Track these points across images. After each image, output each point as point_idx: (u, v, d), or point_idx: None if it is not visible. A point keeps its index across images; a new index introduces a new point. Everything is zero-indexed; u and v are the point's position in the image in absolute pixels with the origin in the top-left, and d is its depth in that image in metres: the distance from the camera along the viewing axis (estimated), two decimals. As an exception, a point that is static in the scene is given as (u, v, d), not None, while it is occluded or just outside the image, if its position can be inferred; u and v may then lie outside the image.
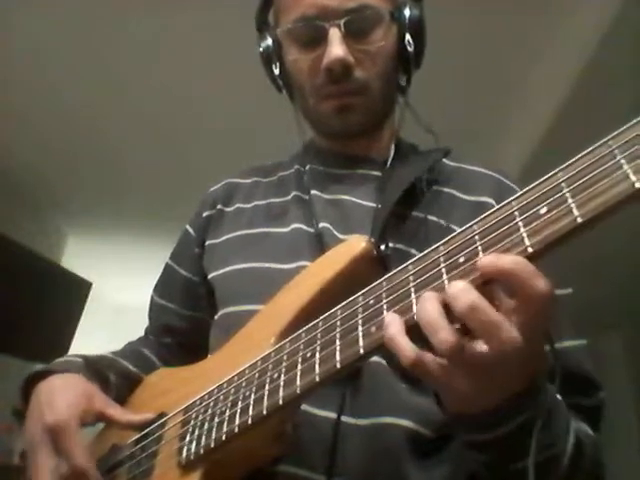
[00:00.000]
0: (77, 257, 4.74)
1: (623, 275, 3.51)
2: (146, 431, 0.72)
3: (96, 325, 4.82)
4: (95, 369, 0.80)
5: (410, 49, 0.83)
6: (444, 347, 0.43)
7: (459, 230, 0.48)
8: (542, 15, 2.26)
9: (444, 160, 0.86)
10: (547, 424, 0.51)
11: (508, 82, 2.67)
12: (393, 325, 0.47)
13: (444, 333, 0.43)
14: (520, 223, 0.42)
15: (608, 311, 4.04)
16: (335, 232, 0.77)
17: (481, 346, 0.43)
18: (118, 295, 5.81)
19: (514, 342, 0.42)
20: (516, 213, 0.42)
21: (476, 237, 0.45)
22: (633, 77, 2.22)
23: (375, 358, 0.67)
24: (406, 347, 0.45)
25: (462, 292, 0.43)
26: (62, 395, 0.71)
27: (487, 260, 0.43)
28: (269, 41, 0.88)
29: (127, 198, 4.06)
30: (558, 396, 0.56)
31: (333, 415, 0.65)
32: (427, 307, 0.45)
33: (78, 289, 4.29)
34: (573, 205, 0.38)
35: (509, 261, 0.41)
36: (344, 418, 0.65)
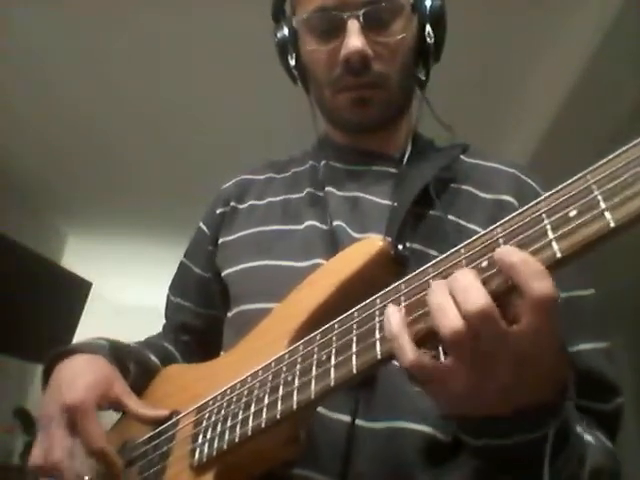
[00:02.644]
0: (77, 257, 4.74)
1: (626, 275, 3.51)
2: (159, 429, 0.71)
3: (96, 325, 4.80)
4: (118, 355, 0.79)
5: (430, 41, 0.81)
6: (450, 331, 0.42)
7: (482, 232, 0.46)
8: (542, 15, 2.25)
9: (461, 156, 0.85)
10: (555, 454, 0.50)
11: (508, 82, 2.67)
12: (394, 320, 0.46)
13: (453, 317, 0.42)
14: (548, 226, 0.40)
15: (611, 311, 4.04)
16: (349, 230, 0.76)
17: (482, 340, 0.42)
18: (118, 295, 5.80)
19: (515, 348, 0.42)
20: (543, 215, 0.41)
21: (500, 240, 0.44)
22: (633, 77, 2.22)
23: None
24: (407, 348, 0.44)
25: (474, 291, 0.42)
26: (83, 376, 0.71)
27: (502, 250, 0.42)
28: (285, 31, 0.86)
29: (127, 198, 4.05)
30: (579, 429, 0.55)
31: (347, 418, 0.64)
32: (437, 292, 0.44)
33: (78, 289, 4.29)
34: (606, 209, 0.37)
35: (518, 257, 0.40)
36: (358, 422, 0.64)
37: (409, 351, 0.44)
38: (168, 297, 1.00)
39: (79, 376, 0.71)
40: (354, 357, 0.50)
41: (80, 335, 4.14)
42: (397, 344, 0.45)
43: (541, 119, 2.74)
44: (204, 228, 0.95)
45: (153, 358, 0.86)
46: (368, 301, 0.53)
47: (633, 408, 4.29)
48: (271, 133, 2.64)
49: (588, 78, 2.34)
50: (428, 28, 0.81)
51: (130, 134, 3.31)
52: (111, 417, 0.80)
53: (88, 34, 2.55)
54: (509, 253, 0.41)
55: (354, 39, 0.76)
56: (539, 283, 0.39)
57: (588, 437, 0.60)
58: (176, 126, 3.18)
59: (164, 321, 1.01)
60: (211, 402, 0.65)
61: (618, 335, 4.53)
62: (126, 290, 5.70)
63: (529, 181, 0.81)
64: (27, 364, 3.72)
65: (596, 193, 0.38)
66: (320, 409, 0.64)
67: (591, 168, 0.39)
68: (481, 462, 0.53)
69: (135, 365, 0.82)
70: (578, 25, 2.27)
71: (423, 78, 0.86)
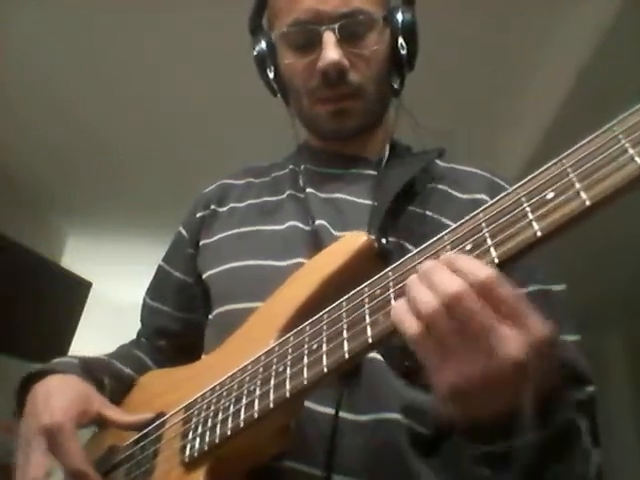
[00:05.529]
0: (77, 257, 4.73)
1: (624, 275, 3.52)
2: (145, 431, 0.71)
3: (96, 325, 4.81)
4: (90, 371, 0.80)
5: (403, 52, 0.84)
6: (425, 308, 0.44)
7: (464, 219, 0.48)
8: (542, 14, 2.26)
9: (437, 161, 0.87)
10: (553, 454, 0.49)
11: (508, 82, 2.67)
12: (400, 307, 0.47)
13: (429, 298, 0.44)
14: (528, 209, 0.42)
15: (609, 311, 4.04)
16: (331, 229, 0.77)
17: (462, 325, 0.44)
18: (118, 295, 5.79)
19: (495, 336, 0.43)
20: (523, 199, 0.43)
21: (483, 224, 0.45)
22: (634, 77, 2.22)
23: (373, 355, 0.67)
24: (412, 321, 0.46)
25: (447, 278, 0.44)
26: (59, 396, 0.71)
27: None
28: (263, 45, 0.89)
29: (127, 198, 4.06)
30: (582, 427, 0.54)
31: (332, 411, 0.65)
32: (414, 285, 0.47)
33: (78, 289, 4.28)
34: (581, 189, 0.39)
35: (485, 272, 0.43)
36: (343, 414, 0.65)
37: (415, 325, 0.46)
38: (145, 301, 1.01)
39: (54, 396, 0.71)
40: (346, 343, 0.51)
41: (80, 335, 4.15)
42: (402, 321, 0.47)
43: (541, 119, 2.75)
44: (183, 232, 0.97)
45: (127, 370, 0.87)
46: (356, 290, 0.54)
47: (630, 405, 4.30)
48: (273, 134, 2.65)
49: (588, 78, 2.35)
50: (400, 40, 0.84)
51: (130, 134, 3.31)
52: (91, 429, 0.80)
53: (88, 34, 2.56)
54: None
55: (331, 51, 0.79)
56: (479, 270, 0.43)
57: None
58: (176, 126, 3.18)
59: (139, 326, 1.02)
60: (200, 399, 0.65)
61: (616, 335, 4.55)
62: (126, 290, 5.68)
63: (502, 183, 0.84)
64: (27, 364, 3.71)
65: (571, 176, 0.40)
66: (306, 402, 0.65)
67: (566, 153, 0.41)
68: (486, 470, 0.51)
69: (109, 378, 0.82)
70: (579, 24, 2.28)
71: (397, 87, 0.88)
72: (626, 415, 4.27)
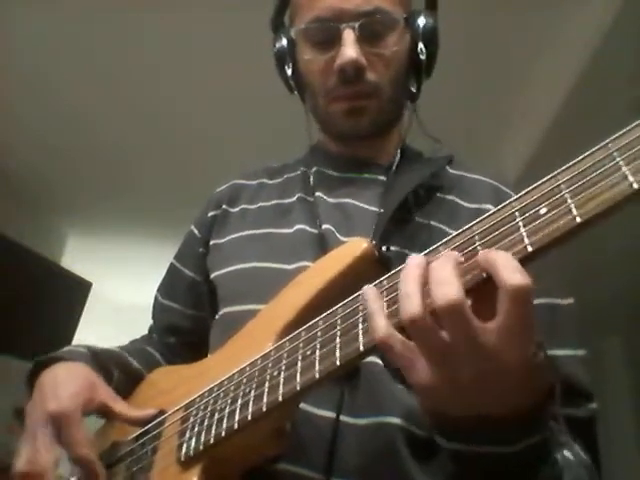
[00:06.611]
0: (77, 257, 4.74)
1: (623, 278, 3.52)
2: (146, 428, 0.72)
3: (95, 325, 4.82)
4: (99, 361, 0.81)
5: (422, 57, 0.84)
6: (408, 315, 0.43)
7: (459, 231, 0.48)
8: (543, 15, 2.26)
9: (446, 167, 0.87)
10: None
11: (508, 82, 2.67)
12: (375, 302, 0.48)
13: (414, 304, 0.44)
14: (520, 223, 0.43)
15: (608, 314, 4.04)
16: (337, 234, 0.78)
17: (447, 333, 0.43)
18: (117, 295, 5.80)
19: (484, 336, 0.43)
20: (516, 213, 0.43)
21: (476, 237, 0.46)
22: (634, 78, 2.22)
23: (372, 359, 0.68)
24: (380, 323, 0.46)
25: (447, 285, 0.43)
26: (66, 384, 0.72)
27: (483, 254, 0.43)
28: (284, 41, 0.89)
29: (127, 198, 4.06)
30: (563, 450, 0.55)
31: (331, 414, 0.66)
32: (408, 280, 0.46)
33: (78, 289, 4.29)
34: (572, 205, 0.39)
35: (494, 252, 0.42)
36: (342, 417, 0.65)
37: (382, 327, 0.46)
38: (156, 298, 1.02)
39: (62, 384, 0.72)
40: (337, 350, 0.52)
41: (80, 335, 4.15)
42: (373, 320, 0.47)
43: (542, 119, 2.74)
44: (195, 231, 0.97)
45: (135, 363, 0.88)
46: (351, 297, 0.55)
47: (630, 405, 4.30)
48: (273, 134, 2.65)
49: (588, 79, 2.35)
50: (420, 45, 0.84)
51: (130, 134, 3.32)
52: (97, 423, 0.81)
53: (88, 34, 2.57)
54: (487, 250, 0.43)
55: (349, 49, 0.79)
56: (514, 275, 0.40)
57: (567, 453, 0.60)
58: (176, 126, 3.19)
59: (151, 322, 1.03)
60: (198, 399, 0.66)
61: (615, 335, 4.55)
62: (126, 290, 5.70)
63: (507, 190, 0.84)
64: (27, 364, 3.71)
65: (564, 192, 0.40)
66: (306, 406, 0.65)
67: (561, 168, 0.42)
68: (454, 466, 0.52)
69: (118, 371, 0.83)
70: (579, 25, 2.28)
71: (414, 91, 0.88)
72: (625, 418, 4.27)
